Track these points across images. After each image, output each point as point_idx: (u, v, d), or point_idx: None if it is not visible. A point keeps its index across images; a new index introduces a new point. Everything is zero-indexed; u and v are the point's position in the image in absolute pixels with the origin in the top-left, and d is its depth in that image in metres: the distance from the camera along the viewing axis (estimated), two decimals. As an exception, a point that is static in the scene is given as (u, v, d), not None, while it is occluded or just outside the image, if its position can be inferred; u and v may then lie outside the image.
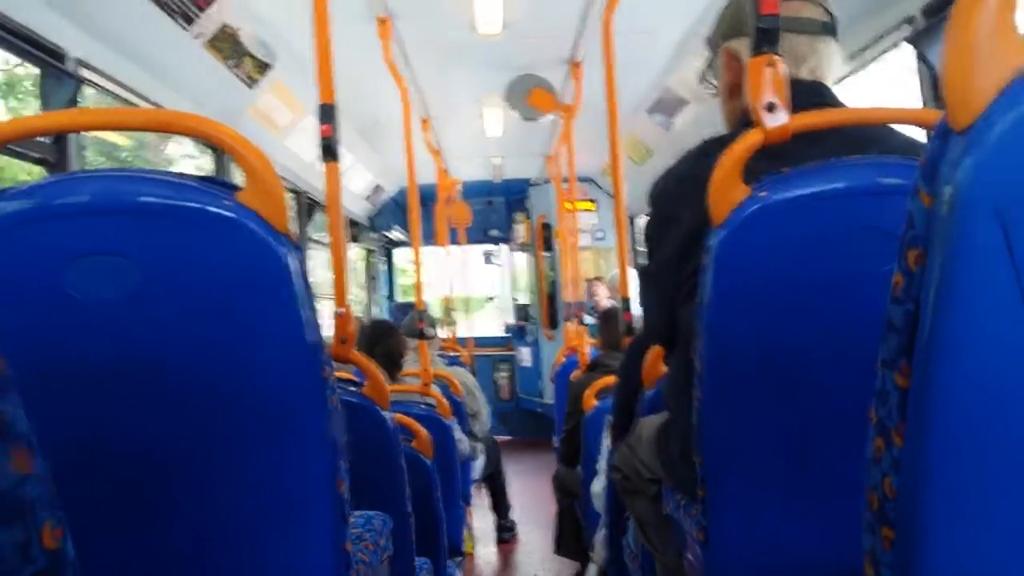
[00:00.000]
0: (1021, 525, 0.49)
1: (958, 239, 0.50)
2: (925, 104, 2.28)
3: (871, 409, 0.62)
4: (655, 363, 1.71)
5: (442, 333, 5.81)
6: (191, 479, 1.04)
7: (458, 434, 3.32)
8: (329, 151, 1.70)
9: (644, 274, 1.43)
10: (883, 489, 0.60)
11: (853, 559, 0.66)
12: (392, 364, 3.16)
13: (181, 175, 1.05)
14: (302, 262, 1.05)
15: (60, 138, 2.28)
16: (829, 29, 1.28)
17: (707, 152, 1.22)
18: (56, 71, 2.24)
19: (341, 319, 1.67)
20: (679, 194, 1.27)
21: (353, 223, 6.62)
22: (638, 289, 1.50)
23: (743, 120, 1.21)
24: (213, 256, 1.01)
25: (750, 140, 1.11)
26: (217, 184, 1.05)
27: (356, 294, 7.45)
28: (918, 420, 0.54)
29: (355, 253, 7.28)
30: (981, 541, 0.51)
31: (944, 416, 0.52)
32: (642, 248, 1.50)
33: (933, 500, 0.53)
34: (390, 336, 3.20)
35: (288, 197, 4.69)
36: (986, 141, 0.49)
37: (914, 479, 0.55)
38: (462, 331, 7.02)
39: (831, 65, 1.29)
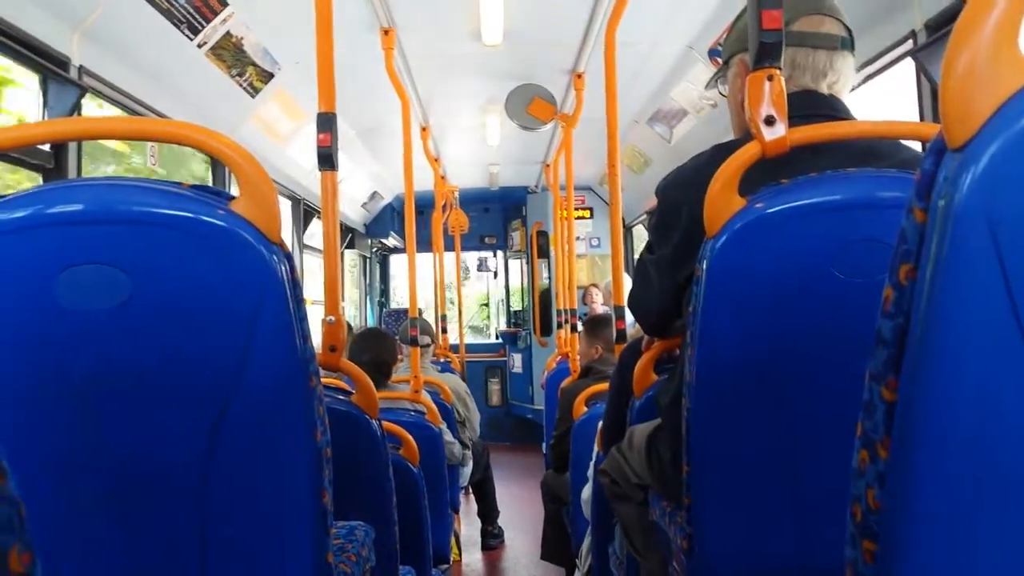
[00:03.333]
0: (1003, 543, 0.49)
1: (950, 255, 0.50)
2: (924, 118, 2.29)
3: (858, 422, 0.62)
4: (645, 370, 1.71)
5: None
6: (175, 489, 1.04)
7: (448, 437, 3.31)
8: (326, 160, 1.70)
9: (642, 263, 1.44)
10: (866, 502, 0.60)
11: (837, 571, 0.66)
12: (381, 372, 3.16)
13: (175, 184, 1.05)
14: (293, 271, 1.04)
15: (59, 146, 2.28)
16: (847, 44, 1.30)
17: (714, 157, 1.24)
18: (58, 78, 2.24)
19: (331, 327, 1.66)
20: (680, 195, 1.29)
21: (350, 229, 6.62)
22: (632, 279, 1.52)
23: (749, 131, 1.22)
24: (204, 265, 1.00)
25: (747, 153, 1.11)
26: (210, 193, 1.05)
27: (352, 295, 7.45)
28: (903, 434, 0.54)
29: (350, 260, 7.28)
30: (963, 558, 0.50)
31: (930, 431, 0.52)
32: (637, 256, 1.51)
33: (916, 515, 0.53)
34: (379, 343, 3.20)
35: (286, 204, 4.71)
36: (981, 159, 0.49)
37: (898, 493, 0.55)
38: (453, 337, 7.02)
39: (847, 80, 1.31)
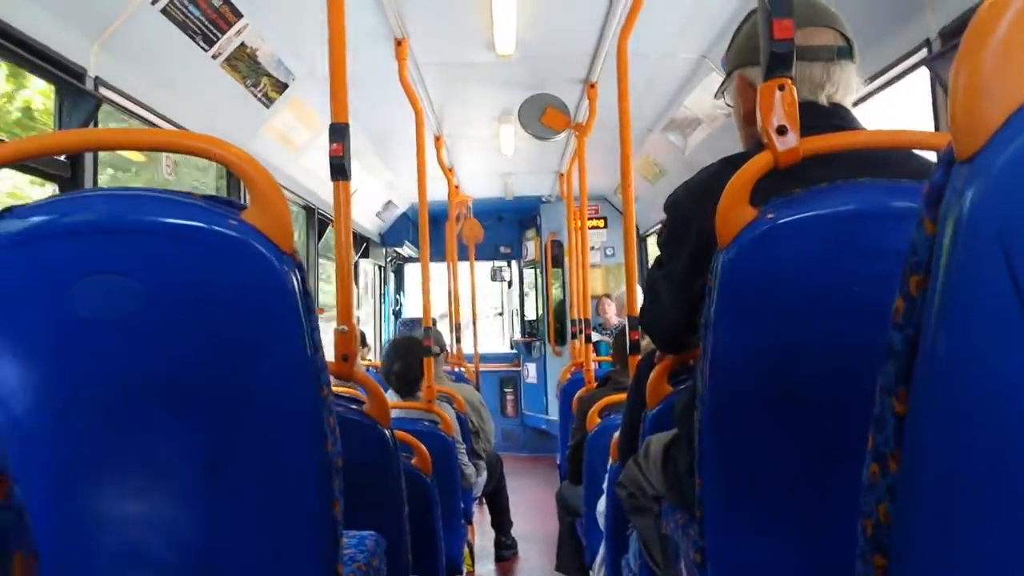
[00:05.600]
0: (1016, 557, 0.48)
1: (960, 267, 0.50)
2: (939, 127, 2.28)
3: (869, 435, 0.61)
4: (659, 382, 1.71)
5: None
6: (185, 497, 1.04)
7: (464, 459, 3.31)
8: (339, 170, 1.70)
9: (652, 279, 1.44)
10: (877, 516, 0.59)
11: None
12: (409, 382, 3.17)
13: (188, 194, 1.06)
14: (305, 281, 1.05)
15: (75, 157, 2.30)
16: (845, 53, 1.29)
17: (723, 169, 1.24)
18: (74, 90, 2.27)
19: (343, 336, 1.67)
20: (690, 208, 1.29)
21: (363, 238, 6.65)
22: (644, 295, 1.51)
23: (758, 143, 1.22)
24: (216, 275, 1.01)
25: (759, 163, 1.11)
26: (222, 203, 1.05)
27: (367, 304, 7.47)
28: (914, 447, 0.54)
29: (366, 269, 7.30)
30: (976, 571, 0.50)
31: (941, 444, 0.51)
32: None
33: (927, 529, 0.52)
34: (414, 354, 3.21)
35: (300, 213, 4.73)
36: (990, 170, 0.48)
37: (908, 507, 0.54)
38: (468, 347, 7.02)
39: (849, 88, 1.30)
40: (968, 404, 0.50)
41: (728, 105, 1.46)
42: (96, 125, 2.33)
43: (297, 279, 1.03)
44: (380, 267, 7.66)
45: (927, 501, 0.52)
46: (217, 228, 1.01)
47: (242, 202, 1.07)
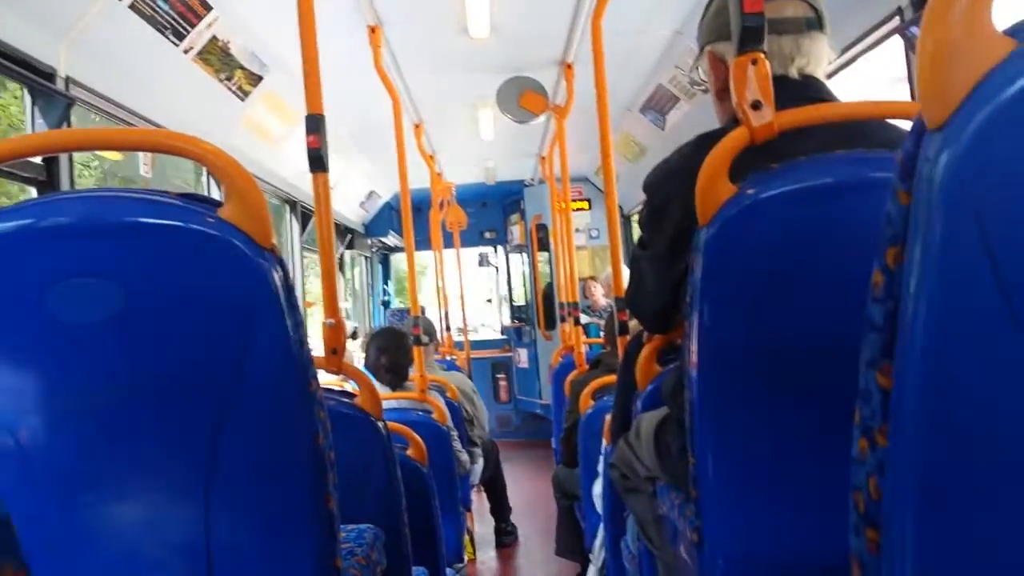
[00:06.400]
0: (1006, 526, 0.48)
1: (935, 236, 0.50)
2: (915, 96, 2.28)
3: (855, 410, 0.61)
4: (648, 362, 1.71)
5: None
6: (178, 498, 1.04)
7: (457, 446, 3.32)
8: (317, 162, 1.69)
9: (636, 261, 1.44)
10: (868, 490, 0.59)
11: (845, 560, 0.66)
12: (397, 373, 3.17)
13: (164, 192, 1.05)
14: (286, 276, 1.04)
15: (50, 158, 2.27)
16: (814, 24, 1.28)
17: (699, 147, 1.23)
18: (46, 90, 2.24)
19: (331, 330, 1.66)
20: (669, 188, 1.28)
21: (348, 230, 6.61)
22: (630, 277, 1.51)
23: (735, 117, 1.22)
24: (196, 273, 1.00)
25: (736, 139, 1.11)
26: (199, 201, 1.04)
27: (360, 296, 7.46)
28: (900, 420, 0.54)
29: (351, 260, 7.28)
30: (966, 542, 0.50)
31: (926, 415, 0.51)
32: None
33: (916, 500, 0.52)
34: (396, 344, 3.21)
35: (283, 207, 4.70)
36: (961, 137, 0.48)
37: (898, 480, 0.54)
38: (457, 335, 7.02)
39: (820, 59, 1.29)
40: (950, 372, 0.50)
41: (703, 81, 1.46)
42: (69, 125, 2.31)
43: (278, 274, 1.02)
44: (366, 258, 7.63)
45: (916, 474, 0.52)
46: (194, 226, 1.00)
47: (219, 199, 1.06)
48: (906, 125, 1.24)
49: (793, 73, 1.26)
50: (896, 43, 2.41)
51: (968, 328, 0.49)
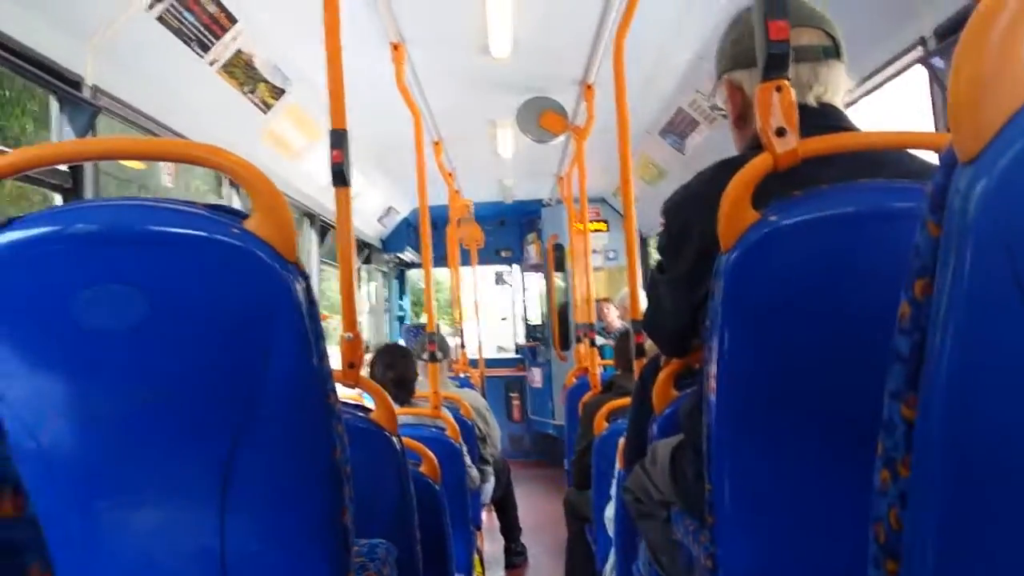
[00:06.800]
0: None
1: (964, 270, 0.49)
2: (938, 126, 2.27)
3: (878, 440, 0.61)
4: (666, 386, 1.70)
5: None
6: (195, 508, 1.04)
7: (467, 460, 3.31)
8: (340, 177, 1.70)
9: (655, 285, 1.44)
10: (889, 521, 0.59)
11: None
12: (405, 388, 3.17)
13: (190, 203, 1.06)
14: (309, 289, 1.05)
15: (76, 166, 2.30)
16: (831, 53, 1.29)
17: (719, 173, 1.24)
18: (72, 99, 2.27)
19: (349, 344, 1.66)
20: (689, 214, 1.29)
21: (366, 245, 6.64)
22: (648, 301, 1.51)
23: (753, 144, 1.22)
24: (220, 285, 1.01)
25: (759, 165, 1.11)
26: (225, 212, 1.05)
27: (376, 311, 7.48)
28: (924, 452, 0.53)
29: (367, 275, 7.30)
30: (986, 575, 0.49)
31: (950, 448, 0.51)
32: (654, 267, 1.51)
33: (939, 534, 0.52)
34: (403, 360, 3.22)
35: (302, 220, 4.73)
36: (993, 171, 0.48)
37: (919, 512, 0.54)
38: (472, 352, 7.02)
39: (838, 87, 1.29)
40: (976, 408, 0.49)
41: (721, 108, 1.47)
42: (95, 134, 2.34)
43: (301, 287, 1.03)
44: (383, 273, 7.66)
45: (938, 506, 0.52)
46: (220, 237, 1.01)
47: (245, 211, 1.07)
48: (928, 155, 1.24)
49: (811, 101, 1.27)
50: (918, 73, 2.41)
51: (995, 361, 0.49)
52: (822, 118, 1.24)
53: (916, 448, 0.55)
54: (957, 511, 0.51)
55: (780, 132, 1.11)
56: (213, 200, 3.33)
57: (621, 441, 2.17)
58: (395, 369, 3.18)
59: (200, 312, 1.01)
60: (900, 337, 0.57)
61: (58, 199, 2.35)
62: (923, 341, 0.54)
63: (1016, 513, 0.49)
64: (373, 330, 7.43)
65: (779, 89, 1.11)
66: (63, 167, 2.28)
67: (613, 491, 2.40)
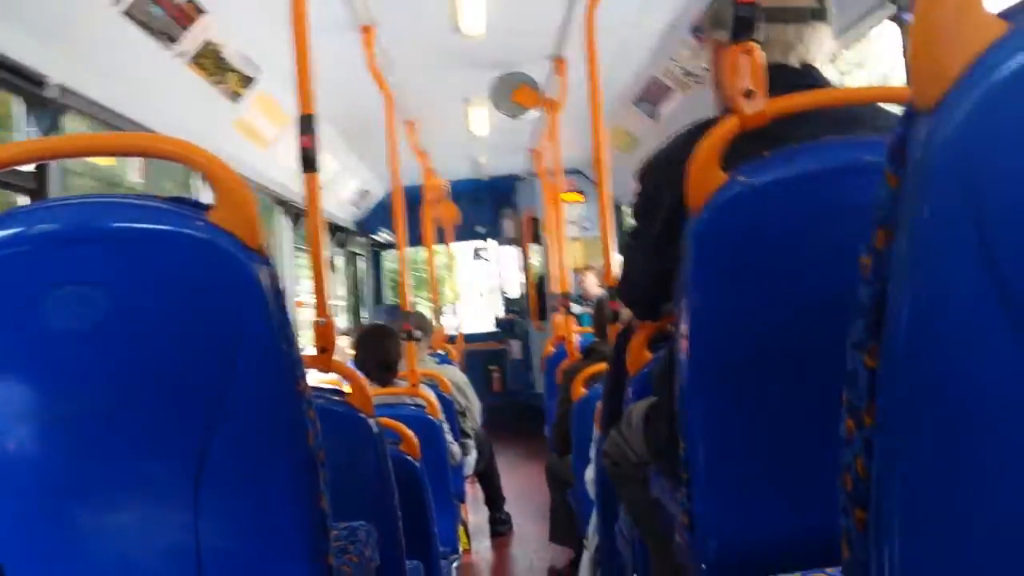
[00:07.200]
0: (991, 502, 0.49)
1: (924, 219, 0.50)
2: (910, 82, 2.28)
3: (843, 391, 0.62)
4: (639, 349, 1.72)
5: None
6: (169, 501, 1.03)
7: (449, 437, 3.33)
8: (308, 162, 1.70)
9: (628, 248, 1.45)
10: (856, 470, 0.60)
11: (835, 540, 0.66)
12: (387, 369, 3.18)
13: (152, 197, 1.05)
14: (275, 277, 1.04)
15: (41, 166, 2.26)
16: (819, 14, 1.30)
17: (693, 135, 1.24)
18: (37, 98, 2.22)
19: (321, 328, 1.66)
20: (661, 176, 1.30)
21: (340, 228, 6.59)
22: (621, 263, 1.52)
23: (726, 107, 1.23)
24: (186, 278, 1.00)
25: (726, 127, 1.11)
26: (187, 204, 1.05)
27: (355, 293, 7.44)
28: (886, 400, 0.54)
29: (346, 257, 7.26)
30: (951, 519, 0.50)
31: (911, 395, 0.52)
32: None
33: (901, 479, 0.52)
34: (385, 341, 3.22)
35: (275, 209, 4.69)
36: (952, 119, 0.48)
37: (884, 459, 0.54)
38: (451, 328, 7.02)
39: (821, 49, 1.31)
40: (937, 355, 0.50)
41: (693, 74, 1.47)
42: (60, 132, 2.29)
43: (267, 275, 1.02)
44: (359, 255, 7.62)
45: (902, 453, 0.52)
46: (183, 230, 1.00)
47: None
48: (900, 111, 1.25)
49: (793, 62, 1.28)
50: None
51: (955, 310, 0.49)
52: (802, 78, 1.26)
53: (879, 396, 0.56)
54: (920, 457, 0.52)
55: (748, 94, 1.11)
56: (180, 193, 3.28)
57: (599, 405, 2.19)
58: (377, 350, 3.18)
59: (166, 306, 1.00)
60: (862, 287, 0.58)
61: (24, 201, 2.30)
62: (884, 290, 0.55)
63: (977, 455, 0.49)
64: (350, 312, 7.41)
65: (747, 51, 1.12)
66: (27, 168, 2.23)
67: (592, 454, 2.42)
